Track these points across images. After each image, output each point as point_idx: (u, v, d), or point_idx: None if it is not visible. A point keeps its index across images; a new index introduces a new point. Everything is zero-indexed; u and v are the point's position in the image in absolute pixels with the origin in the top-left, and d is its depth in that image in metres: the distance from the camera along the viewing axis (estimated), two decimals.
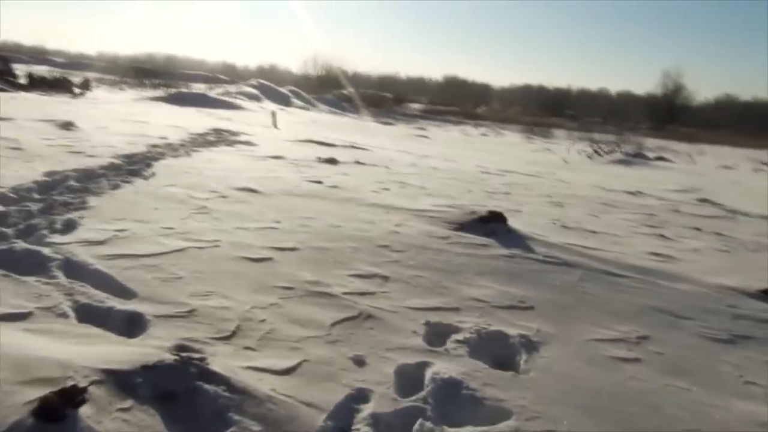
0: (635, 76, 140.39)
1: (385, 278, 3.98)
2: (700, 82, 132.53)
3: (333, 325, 3.15)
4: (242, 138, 12.08)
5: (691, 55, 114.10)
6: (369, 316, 3.31)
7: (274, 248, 4.32)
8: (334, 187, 7.00)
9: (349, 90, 47.15)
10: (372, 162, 10.01)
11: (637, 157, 18.32)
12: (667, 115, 69.94)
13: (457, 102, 67.80)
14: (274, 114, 19.05)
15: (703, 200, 9.58)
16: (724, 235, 6.82)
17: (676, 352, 3.30)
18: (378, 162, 10.16)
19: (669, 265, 5.09)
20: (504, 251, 4.83)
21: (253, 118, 19.86)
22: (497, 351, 3.16)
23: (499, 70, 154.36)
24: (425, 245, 4.79)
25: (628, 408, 2.66)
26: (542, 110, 66.73)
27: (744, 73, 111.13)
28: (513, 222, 5.65)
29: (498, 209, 6.20)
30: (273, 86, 39.22)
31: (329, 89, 47.09)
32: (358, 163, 9.61)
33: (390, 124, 27.94)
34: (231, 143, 11.02)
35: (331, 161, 9.28)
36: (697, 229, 7.03)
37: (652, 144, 30.44)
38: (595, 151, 18.10)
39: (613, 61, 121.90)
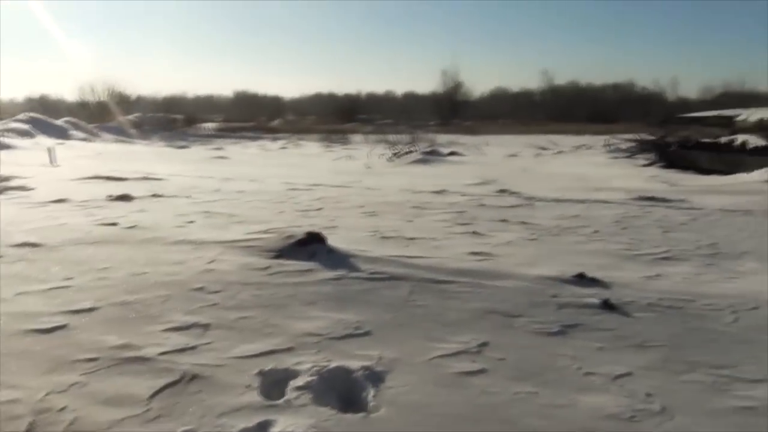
0: (418, 77, 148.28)
1: (206, 327, 3.58)
2: (476, 78, 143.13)
3: (152, 396, 2.71)
4: (15, 182, 10.65)
5: (465, 53, 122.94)
6: (193, 377, 2.91)
7: (68, 312, 3.73)
8: (132, 227, 6.33)
9: (135, 115, 44.42)
10: (171, 193, 9.31)
11: (433, 154, 19.20)
12: (451, 111, 74.78)
13: (252, 117, 66.91)
14: (51, 150, 17.20)
15: (502, 191, 10.13)
16: (529, 224, 7.20)
17: (516, 355, 3.28)
18: (178, 192, 9.48)
19: (489, 262, 5.20)
20: (329, 274, 4.61)
21: (26, 158, 17.83)
22: (343, 390, 2.92)
23: (288, 81, 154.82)
24: (245, 280, 4.43)
25: (485, 428, 2.55)
26: (336, 117, 68.08)
27: (513, 67, 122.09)
28: (332, 240, 5.46)
29: (314, 228, 5.99)
30: (47, 119, 35.70)
31: (112, 116, 43.95)
32: (155, 196, 8.87)
33: (185, 147, 26.66)
34: (1, 190, 9.67)
35: (125, 198, 8.46)
36: (504, 220, 7.36)
37: (442, 140, 32.19)
38: (395, 154, 18.63)
39: (395, 64, 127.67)
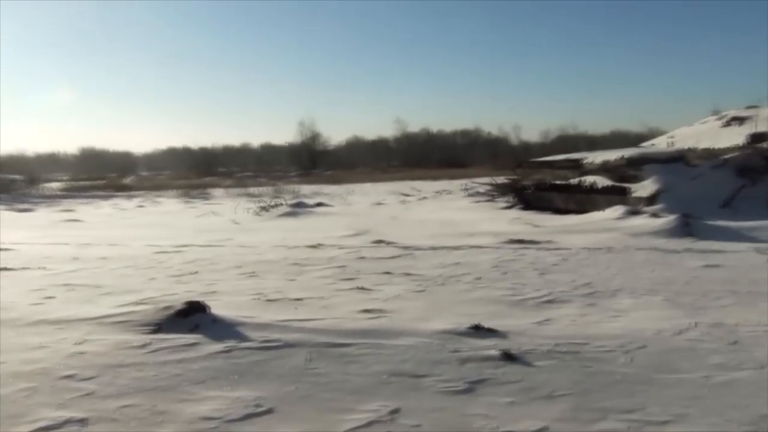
0: (274, 128, 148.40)
1: (83, 422, 3.16)
2: (332, 127, 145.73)
3: None
4: None
5: (320, 102, 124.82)
6: None
7: None
8: None
9: None
10: (21, 265, 8.39)
11: (300, 206, 19.00)
12: (310, 161, 75.26)
13: (101, 175, 63.45)
14: None
15: (378, 241, 10.12)
16: (413, 274, 7.18)
17: (431, 420, 3.15)
18: (29, 263, 8.56)
19: (383, 320, 5.07)
20: (217, 346, 4.27)
21: None
22: None
23: (138, 136, 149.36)
24: (122, 362, 3.98)
25: None
26: (193, 171, 66.22)
27: (367, 116, 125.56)
28: (214, 307, 5.09)
29: (192, 295, 5.61)
30: None
31: None
32: (3, 269, 7.95)
33: (30, 210, 24.51)
34: None
35: None
36: (388, 272, 7.30)
37: (306, 190, 32.21)
38: (262, 207, 18.24)
39: (250, 116, 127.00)
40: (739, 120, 17.27)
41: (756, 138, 15.12)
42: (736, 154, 14.60)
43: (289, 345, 4.32)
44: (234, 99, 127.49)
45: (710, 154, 15.48)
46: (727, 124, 17.66)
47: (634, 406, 3.27)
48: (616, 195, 13.67)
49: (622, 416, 3.15)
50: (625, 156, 14.84)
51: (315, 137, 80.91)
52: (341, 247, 9.63)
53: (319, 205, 20.75)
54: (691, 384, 3.57)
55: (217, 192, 36.00)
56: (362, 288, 6.44)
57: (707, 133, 17.51)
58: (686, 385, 3.55)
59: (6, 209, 25.08)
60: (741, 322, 4.83)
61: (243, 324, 4.78)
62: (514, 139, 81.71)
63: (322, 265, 7.97)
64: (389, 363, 3.97)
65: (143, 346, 4.29)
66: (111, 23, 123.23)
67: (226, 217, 17.43)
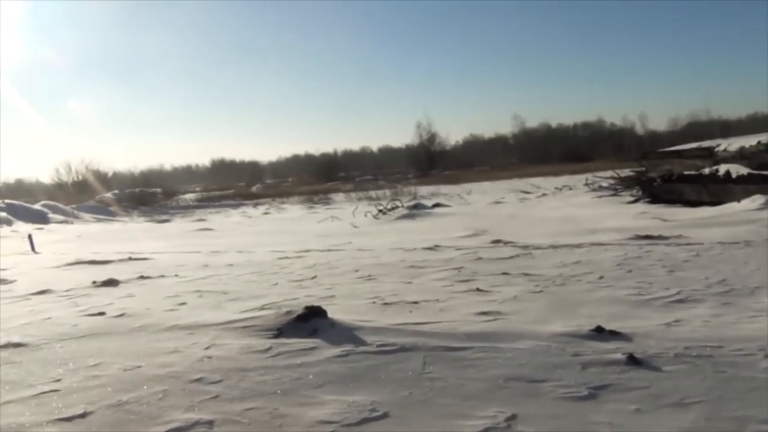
0: (392, 130, 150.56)
1: (210, 424, 3.29)
2: (449, 127, 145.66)
3: None
4: None
5: (437, 102, 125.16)
6: None
7: (59, 420, 3.42)
8: (121, 315, 6.01)
9: (113, 192, 44.09)
10: (158, 273, 9.00)
11: (418, 208, 19.05)
12: (428, 162, 75.50)
13: (230, 184, 67.01)
14: (30, 237, 16.84)
15: (496, 241, 9.96)
16: (531, 275, 7.00)
17: (549, 427, 3.03)
18: (165, 271, 9.17)
19: (499, 322, 4.96)
20: (335, 350, 4.35)
21: (4, 247, 17.43)
22: None
23: (265, 146, 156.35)
24: (246, 366, 4.15)
25: None
26: (315, 177, 68.40)
27: (484, 114, 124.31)
28: (332, 311, 5.21)
29: (311, 299, 5.75)
30: (24, 204, 35.19)
31: (90, 195, 43.60)
32: (142, 278, 8.56)
33: (166, 221, 26.30)
34: None
35: (111, 283, 8.14)
36: (506, 273, 7.15)
37: (424, 191, 32.34)
38: (380, 211, 18.48)
39: (369, 119, 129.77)
40: None
41: None
42: None
43: (404, 349, 4.32)
44: (353, 103, 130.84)
45: None
46: None
47: None
48: (754, 184, 12.65)
49: (761, 427, 2.89)
50: (764, 141, 13.71)
51: (432, 138, 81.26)
52: (458, 248, 9.56)
53: (437, 205, 20.75)
54: None
55: (338, 197, 36.96)
56: (479, 290, 6.34)
57: None
58: None
59: (147, 221, 27.11)
60: None
61: (360, 328, 4.84)
62: (639, 129, 78.01)
63: (438, 267, 7.94)
64: (506, 367, 3.88)
65: (265, 350, 4.45)
66: (236, 38, 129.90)
67: (346, 222, 17.83)
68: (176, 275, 8.71)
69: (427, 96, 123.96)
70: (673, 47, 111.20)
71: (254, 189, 57.42)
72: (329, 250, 10.64)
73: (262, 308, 5.89)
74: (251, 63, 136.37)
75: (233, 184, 66.92)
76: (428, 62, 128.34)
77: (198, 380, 3.95)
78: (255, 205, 35.61)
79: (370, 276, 7.63)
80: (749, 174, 13.12)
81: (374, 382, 3.78)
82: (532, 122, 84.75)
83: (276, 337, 4.78)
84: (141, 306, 6.42)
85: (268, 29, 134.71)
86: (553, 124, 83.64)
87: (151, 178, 70.10)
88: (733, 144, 14.58)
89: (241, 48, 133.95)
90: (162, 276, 8.70)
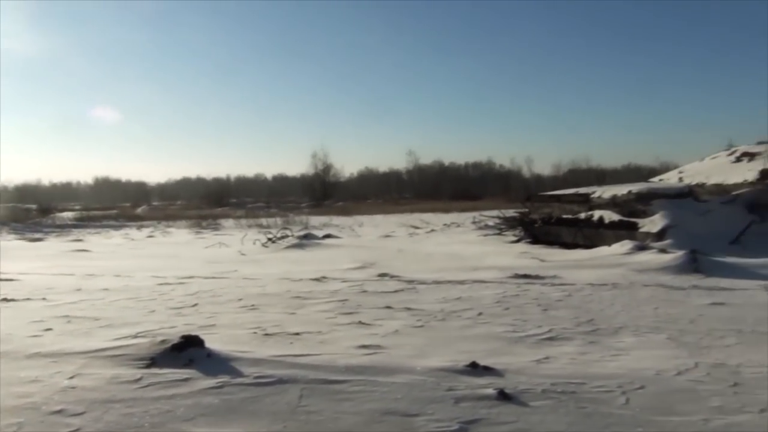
0: (287, 159, 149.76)
1: None
2: (345, 159, 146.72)
3: None
4: None
5: (333, 134, 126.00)
6: None
7: None
8: None
9: None
10: (24, 296, 8.40)
11: (308, 238, 18.94)
12: (322, 192, 75.59)
13: (115, 204, 63.99)
14: None
15: (383, 275, 10.06)
16: (414, 309, 7.11)
17: None
18: (32, 294, 8.57)
19: (379, 356, 5.00)
20: (210, 382, 4.22)
21: None
22: None
23: (153, 166, 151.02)
24: (113, 397, 3.94)
25: None
26: (205, 202, 66.68)
27: (380, 148, 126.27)
28: (211, 341, 5.06)
29: (190, 328, 5.57)
30: None
31: None
32: (5, 300, 7.96)
33: (39, 240, 24.66)
34: None
35: None
36: (389, 307, 7.23)
37: (316, 221, 32.27)
38: (270, 239, 18.23)
39: (264, 147, 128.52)
40: (750, 155, 17.13)
41: (766, 174, 14.99)
42: (746, 189, 14.48)
43: (282, 381, 4.26)
44: (249, 130, 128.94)
45: (720, 189, 15.36)
46: (738, 159, 17.51)
47: None
48: (624, 230, 13.56)
49: None
50: (634, 191, 14.75)
51: (327, 168, 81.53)
52: (345, 281, 9.58)
53: (328, 236, 20.74)
54: (689, 427, 3.47)
55: (228, 223, 36.13)
56: (361, 323, 6.37)
57: (717, 169, 17.38)
58: (684, 428, 3.46)
59: (18, 239, 25.27)
60: (744, 363, 4.73)
61: (237, 359, 4.73)
62: (526, 172, 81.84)
63: (323, 299, 7.91)
64: (382, 401, 3.90)
65: (135, 381, 4.25)
66: (127, 52, 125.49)
67: (234, 249, 17.44)
68: (44, 298, 8.16)
69: (325, 127, 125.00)
70: (560, 96, 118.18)
71: (139, 210, 55.09)
72: (214, 278, 10.36)
73: (135, 336, 5.64)
74: (143, 78, 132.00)
75: (117, 204, 63.90)
76: (326, 93, 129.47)
77: (58, 412, 3.71)
78: (139, 228, 34.12)
79: (253, 305, 7.49)
80: (620, 220, 14.05)
81: (249, 415, 3.69)
82: (426, 159, 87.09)
83: (148, 367, 4.58)
84: (1, 331, 5.96)
85: (162, 45, 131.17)
86: (446, 162, 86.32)
87: (25, 194, 65.86)
88: (607, 191, 15.57)
89: (131, 62, 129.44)
90: (28, 299, 8.12)
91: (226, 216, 42.84)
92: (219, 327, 6.24)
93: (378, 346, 5.34)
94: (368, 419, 3.62)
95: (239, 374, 4.40)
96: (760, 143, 17.70)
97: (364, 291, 8.52)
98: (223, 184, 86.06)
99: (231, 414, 3.70)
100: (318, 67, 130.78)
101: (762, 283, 8.66)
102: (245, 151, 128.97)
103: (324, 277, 9.94)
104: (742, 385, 4.22)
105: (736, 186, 14.99)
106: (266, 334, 5.87)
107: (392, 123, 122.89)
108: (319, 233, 21.47)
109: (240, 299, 7.98)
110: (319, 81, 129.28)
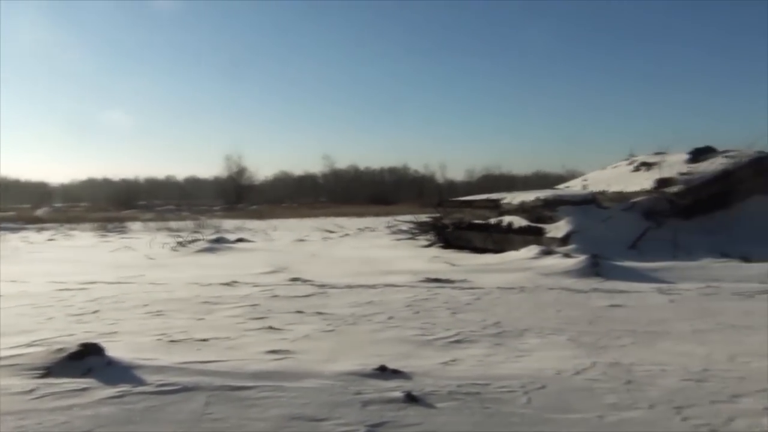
0: (200, 161, 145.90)
1: None
2: (259, 162, 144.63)
3: None
4: None
5: (248, 136, 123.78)
6: None
7: None
8: None
9: None
10: None
11: (220, 242, 18.55)
12: (236, 196, 74.22)
13: (12, 206, 60.51)
14: None
15: (295, 279, 9.98)
16: (325, 314, 7.10)
17: None
18: None
19: (288, 361, 4.97)
20: (109, 391, 4.07)
21: None
22: None
23: (56, 166, 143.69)
24: (3, 410, 3.73)
25: None
26: (112, 204, 64.10)
27: (295, 152, 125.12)
28: (112, 349, 4.88)
29: (91, 336, 5.35)
30: None
31: None
32: None
33: None
34: None
35: None
36: (300, 312, 7.19)
37: (229, 225, 31.60)
38: (179, 243, 17.73)
39: (176, 148, 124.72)
40: (648, 165, 18.09)
41: (662, 183, 15.88)
42: (643, 197, 15.29)
43: (187, 389, 4.16)
44: (159, 131, 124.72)
45: (620, 197, 16.14)
46: (637, 168, 18.46)
47: None
48: (531, 235, 14.03)
49: None
50: (541, 197, 15.29)
51: (241, 171, 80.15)
52: (256, 285, 9.44)
53: (240, 240, 20.36)
54: (584, 424, 3.64)
55: (136, 226, 34.84)
56: (272, 328, 6.31)
57: (618, 177, 18.26)
58: (580, 425, 3.62)
59: None
60: (636, 362, 5.00)
61: (140, 367, 4.59)
62: (440, 178, 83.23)
63: (233, 304, 7.78)
64: (289, 406, 3.88)
65: (28, 392, 4.04)
66: (35, 46, 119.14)
67: (141, 253, 16.86)
68: None
69: (239, 129, 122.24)
70: (474, 104, 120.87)
71: (40, 212, 52.25)
72: (118, 283, 9.98)
73: (30, 345, 5.37)
74: (46, 73, 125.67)
75: (15, 206, 60.41)
76: (240, 95, 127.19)
77: None
78: (39, 230, 32.40)
79: (159, 311, 7.27)
80: (528, 225, 14.53)
81: (151, 424, 3.59)
82: (342, 164, 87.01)
83: (43, 377, 4.37)
84: None
85: (71, 44, 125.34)
86: (362, 166, 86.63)
87: None
88: (516, 198, 16.08)
89: (28, 50, 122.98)
90: None
91: (134, 219, 41.30)
92: (122, 334, 6.03)
93: (287, 351, 5.30)
94: (275, 425, 3.59)
95: (141, 382, 4.27)
96: (657, 153, 18.73)
97: (276, 295, 8.44)
98: (131, 186, 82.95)
99: (131, 424, 3.58)
100: (230, 67, 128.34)
101: (656, 285, 9.18)
102: (156, 152, 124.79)
103: (235, 282, 9.77)
104: (634, 382, 4.46)
105: (635, 194, 15.81)
106: (172, 341, 5.71)
107: (308, 126, 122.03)
108: (232, 237, 21.06)
109: (145, 305, 7.73)
110: (232, 82, 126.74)
